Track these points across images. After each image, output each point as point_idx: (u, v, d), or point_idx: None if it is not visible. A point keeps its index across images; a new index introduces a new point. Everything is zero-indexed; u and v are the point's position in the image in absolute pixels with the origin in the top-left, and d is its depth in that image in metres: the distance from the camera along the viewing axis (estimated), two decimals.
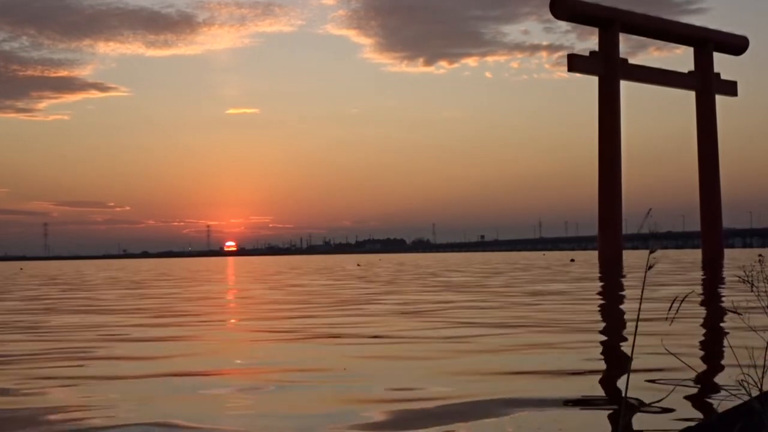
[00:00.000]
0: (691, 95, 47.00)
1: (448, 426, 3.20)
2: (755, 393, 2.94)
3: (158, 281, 22.90)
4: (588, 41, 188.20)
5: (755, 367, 3.36)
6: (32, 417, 3.53)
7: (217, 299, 12.91)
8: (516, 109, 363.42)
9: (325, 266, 40.23)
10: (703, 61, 46.25)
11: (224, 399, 3.93)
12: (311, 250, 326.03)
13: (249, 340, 6.65)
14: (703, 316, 7.95)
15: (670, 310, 8.09)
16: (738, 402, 3.20)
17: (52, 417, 3.52)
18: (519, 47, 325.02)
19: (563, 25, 48.61)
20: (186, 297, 13.55)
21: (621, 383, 4.10)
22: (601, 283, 15.82)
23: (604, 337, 6.39)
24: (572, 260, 44.88)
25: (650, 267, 2.24)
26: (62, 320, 9.07)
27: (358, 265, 42.30)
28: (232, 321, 8.84)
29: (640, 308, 2.72)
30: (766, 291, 3.99)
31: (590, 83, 46.70)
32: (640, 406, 3.42)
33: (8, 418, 3.52)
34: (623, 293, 12.48)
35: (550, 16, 40.21)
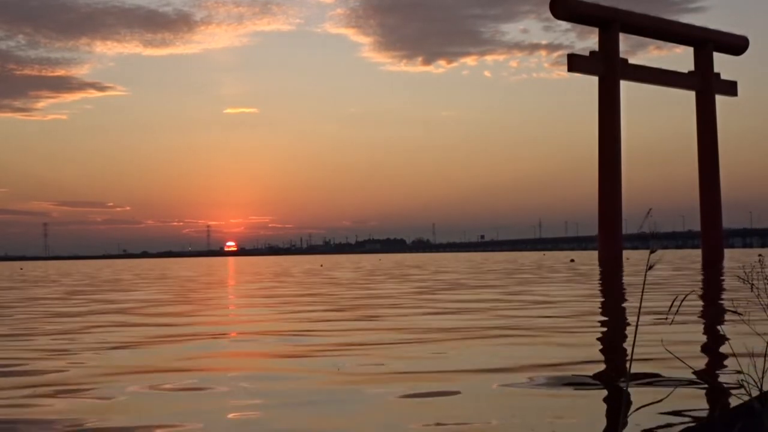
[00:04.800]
0: (691, 95, 46.94)
1: (438, 426, 3.20)
2: (755, 393, 2.94)
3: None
4: (588, 40, 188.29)
5: (755, 367, 3.36)
6: None
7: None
8: (515, 109, 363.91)
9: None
10: (703, 61, 46.20)
11: None
12: (311, 250, 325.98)
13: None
14: (703, 316, 7.95)
15: (670, 309, 8.09)
16: (738, 402, 3.20)
17: None
18: (518, 46, 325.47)
19: (563, 23, 48.68)
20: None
21: (621, 383, 4.10)
22: (600, 284, 15.82)
23: (603, 338, 6.38)
24: (572, 260, 44.89)
25: (650, 267, 2.23)
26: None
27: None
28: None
29: (640, 308, 2.73)
30: (766, 291, 3.99)
31: (590, 83, 46.72)
32: (640, 406, 3.41)
33: None
34: (622, 293, 12.48)
35: (550, 15, 40.15)
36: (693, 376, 4.14)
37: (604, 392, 3.93)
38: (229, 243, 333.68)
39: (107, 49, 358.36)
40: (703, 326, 6.95)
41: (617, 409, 3.46)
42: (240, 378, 4.55)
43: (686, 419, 3.20)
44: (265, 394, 4.01)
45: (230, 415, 3.52)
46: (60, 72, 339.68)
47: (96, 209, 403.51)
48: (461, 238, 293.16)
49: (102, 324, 8.38)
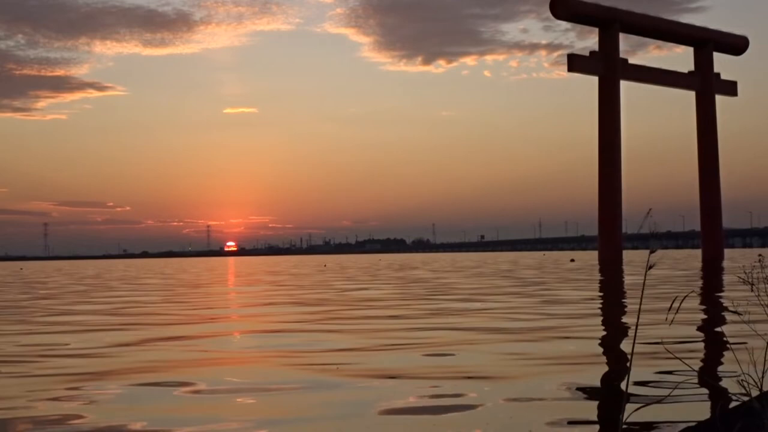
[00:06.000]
0: (691, 95, 46.96)
1: (436, 422, 3.21)
2: (755, 393, 2.94)
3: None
4: (588, 40, 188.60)
5: (755, 367, 3.36)
6: None
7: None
8: (515, 109, 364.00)
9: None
10: (703, 61, 46.22)
11: None
12: (311, 250, 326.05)
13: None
14: (703, 316, 7.95)
15: (669, 310, 8.08)
16: (738, 402, 3.20)
17: None
18: (518, 46, 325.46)
19: (563, 23, 48.57)
20: None
21: (621, 384, 4.10)
22: (600, 283, 15.82)
23: (603, 338, 6.38)
24: (572, 260, 44.91)
25: (650, 267, 2.23)
26: None
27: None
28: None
29: (640, 308, 2.73)
30: (766, 291, 3.99)
31: (590, 83, 46.73)
32: (640, 406, 3.41)
33: None
34: (623, 293, 12.48)
35: (550, 15, 40.16)
36: (693, 376, 4.14)
37: (605, 392, 3.93)
38: (229, 243, 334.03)
39: (106, 48, 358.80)
40: (703, 326, 6.95)
41: (617, 410, 3.46)
42: None
43: (686, 419, 3.20)
44: None
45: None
46: (59, 72, 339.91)
47: (96, 209, 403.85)
48: (461, 238, 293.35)
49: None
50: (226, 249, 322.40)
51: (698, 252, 64.87)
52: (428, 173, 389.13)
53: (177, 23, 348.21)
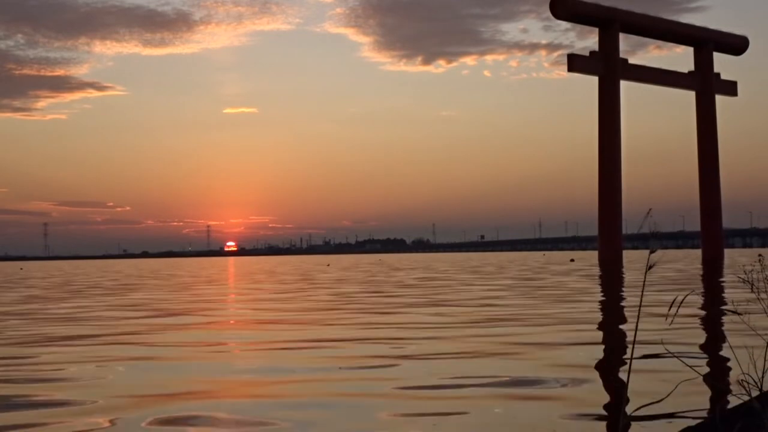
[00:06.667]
0: (691, 95, 46.95)
1: (440, 427, 3.21)
2: (755, 393, 2.94)
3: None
4: (588, 39, 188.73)
5: (755, 367, 3.36)
6: None
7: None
8: (515, 109, 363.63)
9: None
10: (703, 61, 46.22)
11: None
12: (311, 250, 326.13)
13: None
14: (703, 316, 7.95)
15: (669, 310, 8.09)
16: (738, 402, 3.20)
17: None
18: (518, 46, 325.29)
19: (563, 23, 48.56)
20: None
21: (621, 384, 4.10)
22: (600, 283, 15.82)
23: (603, 338, 6.39)
24: (572, 260, 44.91)
25: (650, 267, 2.23)
26: None
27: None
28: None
29: (640, 308, 2.73)
30: (766, 291, 3.99)
31: (590, 83, 46.70)
32: (640, 406, 3.41)
33: None
34: (622, 293, 12.48)
35: (550, 15, 40.18)
36: (693, 376, 4.14)
37: (605, 392, 3.93)
38: (229, 243, 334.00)
39: (106, 48, 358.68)
40: (703, 326, 6.95)
41: (617, 409, 3.46)
42: None
43: (686, 419, 3.20)
44: None
45: None
46: (59, 72, 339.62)
47: (96, 209, 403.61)
48: (461, 238, 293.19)
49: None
50: (226, 249, 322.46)
51: (698, 252, 64.88)
52: (428, 173, 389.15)
53: (177, 23, 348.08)
